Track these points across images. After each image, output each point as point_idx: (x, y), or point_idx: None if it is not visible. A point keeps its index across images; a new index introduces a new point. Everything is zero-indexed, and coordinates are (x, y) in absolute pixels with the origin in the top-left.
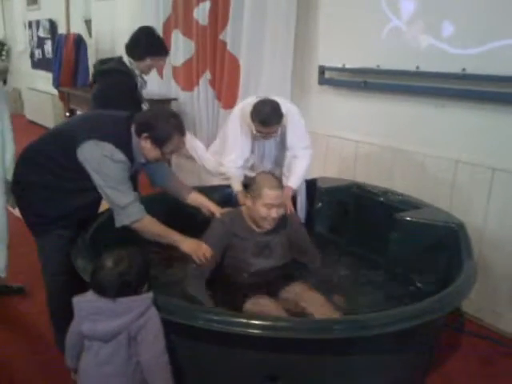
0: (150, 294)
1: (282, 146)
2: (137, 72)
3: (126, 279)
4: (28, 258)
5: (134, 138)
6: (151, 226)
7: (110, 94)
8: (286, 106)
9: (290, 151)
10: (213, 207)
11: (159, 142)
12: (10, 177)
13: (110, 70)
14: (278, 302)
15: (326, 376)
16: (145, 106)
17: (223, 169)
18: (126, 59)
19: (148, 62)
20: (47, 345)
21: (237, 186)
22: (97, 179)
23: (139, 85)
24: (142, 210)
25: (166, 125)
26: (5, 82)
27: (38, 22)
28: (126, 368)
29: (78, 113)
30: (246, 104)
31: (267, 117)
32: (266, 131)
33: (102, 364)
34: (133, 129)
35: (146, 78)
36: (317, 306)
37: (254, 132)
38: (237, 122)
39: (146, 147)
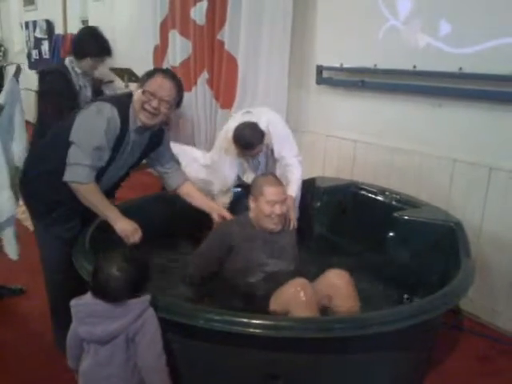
0: (148, 296)
1: (273, 157)
2: (78, 71)
3: (124, 283)
4: (28, 258)
5: (132, 107)
6: (88, 194)
7: (42, 96)
8: (268, 118)
9: (280, 161)
10: (223, 212)
11: (143, 80)
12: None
13: (45, 72)
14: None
15: (327, 374)
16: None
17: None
18: (68, 59)
19: (88, 61)
20: (48, 345)
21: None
22: (73, 130)
23: (80, 84)
24: (89, 176)
25: (150, 70)
26: (17, 80)
27: (34, 23)
28: (124, 369)
29: None
30: (228, 129)
31: (249, 140)
32: (251, 153)
33: (101, 365)
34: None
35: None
36: (345, 302)
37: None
38: (220, 149)
39: (135, 93)
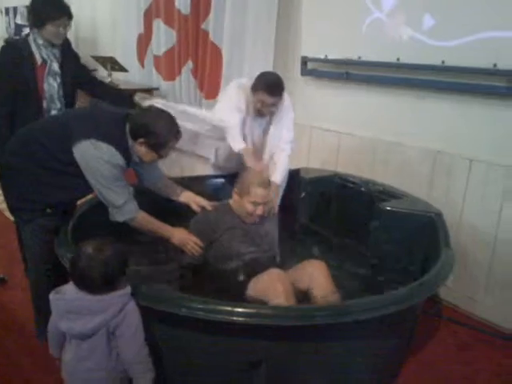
0: (128, 289)
1: (268, 133)
2: (40, 42)
3: (106, 270)
4: (7, 249)
5: (130, 139)
6: (143, 223)
7: None
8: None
9: (273, 140)
10: (202, 201)
11: (155, 147)
12: None
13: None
14: (288, 276)
15: (307, 361)
16: (52, 82)
17: (222, 122)
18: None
19: (50, 28)
20: (30, 334)
21: (239, 143)
22: (91, 178)
23: (44, 57)
24: (136, 207)
25: (163, 131)
26: None
27: (15, 9)
28: (107, 362)
29: None
30: (241, 82)
31: (274, 84)
32: (270, 101)
33: (83, 359)
34: (127, 129)
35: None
36: (322, 291)
37: (256, 105)
38: (232, 92)
39: (141, 150)
